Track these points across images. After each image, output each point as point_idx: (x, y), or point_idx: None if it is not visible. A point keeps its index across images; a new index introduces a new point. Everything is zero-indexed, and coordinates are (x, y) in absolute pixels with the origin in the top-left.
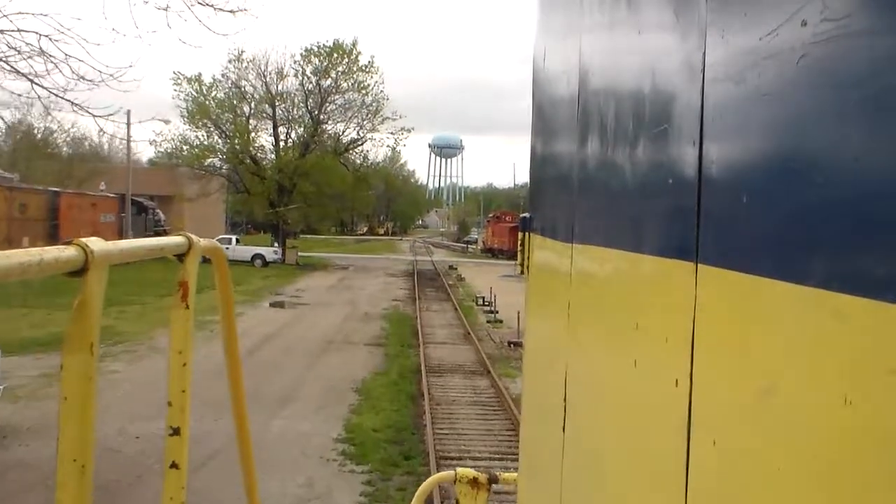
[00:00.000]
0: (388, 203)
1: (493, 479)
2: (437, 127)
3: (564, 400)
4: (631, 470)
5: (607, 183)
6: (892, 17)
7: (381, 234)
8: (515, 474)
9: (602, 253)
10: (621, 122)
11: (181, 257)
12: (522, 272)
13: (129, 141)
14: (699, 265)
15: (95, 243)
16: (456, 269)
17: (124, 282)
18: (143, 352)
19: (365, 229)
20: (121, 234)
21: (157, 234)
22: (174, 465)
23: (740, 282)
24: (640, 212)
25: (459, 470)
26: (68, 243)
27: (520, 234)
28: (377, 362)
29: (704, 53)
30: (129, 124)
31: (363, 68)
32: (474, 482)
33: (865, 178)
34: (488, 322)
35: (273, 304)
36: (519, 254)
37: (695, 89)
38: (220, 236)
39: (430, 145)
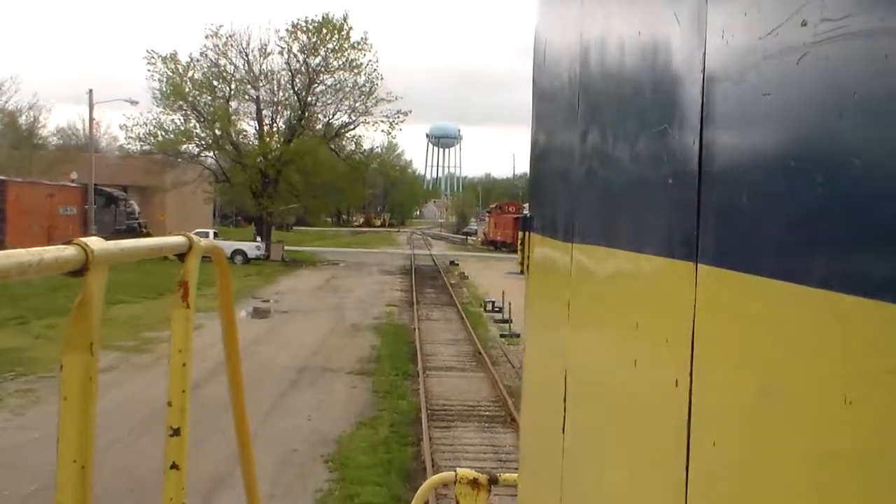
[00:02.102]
0: (385, 194)
1: (493, 480)
2: (435, 117)
3: (564, 400)
4: (631, 470)
5: (607, 183)
6: (892, 17)
7: (378, 226)
8: (515, 475)
9: (602, 252)
10: (621, 123)
11: (182, 257)
12: (523, 272)
13: (90, 122)
14: (699, 265)
15: (96, 243)
16: (457, 264)
17: (68, 286)
18: (44, 391)
19: (361, 221)
20: (85, 228)
21: (130, 227)
22: (174, 466)
23: (740, 282)
24: (640, 211)
25: (459, 471)
26: (69, 243)
27: (520, 234)
28: (362, 403)
29: (704, 53)
30: (91, 105)
31: (355, 45)
32: (474, 483)
33: (865, 178)
34: (502, 336)
35: (256, 312)
36: (519, 253)
37: (695, 88)
38: (197, 230)
39: (427, 135)
